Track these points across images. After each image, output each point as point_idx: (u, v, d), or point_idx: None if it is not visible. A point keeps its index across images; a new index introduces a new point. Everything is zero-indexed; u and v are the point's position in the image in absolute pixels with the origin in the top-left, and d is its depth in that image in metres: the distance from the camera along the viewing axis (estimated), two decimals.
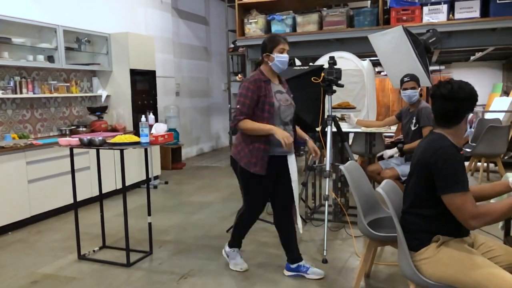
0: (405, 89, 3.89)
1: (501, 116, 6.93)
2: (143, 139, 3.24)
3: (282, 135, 2.77)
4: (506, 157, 6.67)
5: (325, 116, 3.84)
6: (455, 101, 1.99)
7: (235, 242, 3.31)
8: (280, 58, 2.89)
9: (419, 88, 3.93)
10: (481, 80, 9.87)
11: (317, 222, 4.30)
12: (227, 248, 3.35)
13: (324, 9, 6.71)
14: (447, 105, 2.01)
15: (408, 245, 2.07)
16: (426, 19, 5.65)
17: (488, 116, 6.92)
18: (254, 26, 6.69)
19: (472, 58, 8.76)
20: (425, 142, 2.10)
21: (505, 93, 8.36)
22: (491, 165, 6.31)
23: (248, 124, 2.86)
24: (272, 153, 2.91)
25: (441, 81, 2.08)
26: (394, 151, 3.99)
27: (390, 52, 4.45)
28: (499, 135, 5.63)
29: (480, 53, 7.84)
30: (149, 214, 3.63)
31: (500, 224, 2.63)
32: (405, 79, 3.89)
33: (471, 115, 2.01)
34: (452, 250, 1.97)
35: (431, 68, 4.54)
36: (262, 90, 2.87)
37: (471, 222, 1.88)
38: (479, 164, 5.89)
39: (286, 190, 3.02)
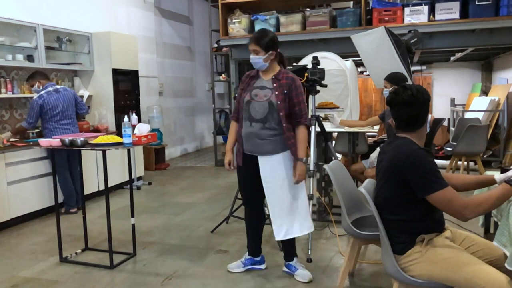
0: (385, 87, 4.03)
1: (480, 115, 7.07)
2: (126, 140, 3.20)
3: (225, 160, 3.04)
4: (485, 156, 6.82)
5: (309, 116, 3.85)
6: (417, 105, 2.05)
7: (248, 248, 3.26)
8: (251, 58, 2.89)
9: (392, 87, 4.01)
10: (461, 80, 10.05)
11: None
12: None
13: (307, 9, 6.75)
14: (410, 110, 2.06)
15: (393, 249, 2.10)
16: (408, 20, 5.73)
17: (468, 115, 7.05)
18: (238, 26, 6.68)
19: (452, 58, 8.91)
20: (393, 148, 2.11)
21: (484, 93, 8.53)
22: (471, 164, 6.43)
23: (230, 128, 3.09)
24: (245, 151, 2.98)
25: (397, 88, 2.13)
26: (377, 152, 4.03)
27: (373, 52, 4.50)
28: (479, 134, 5.74)
29: (460, 53, 7.98)
30: (133, 216, 3.59)
31: (480, 221, 2.68)
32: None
33: (430, 116, 2.06)
34: (438, 249, 2.01)
35: (412, 68, 4.61)
36: (243, 84, 2.95)
37: (464, 212, 1.89)
38: (459, 163, 6.00)
39: (260, 189, 2.97)
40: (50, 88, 4.65)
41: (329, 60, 5.01)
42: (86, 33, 5.69)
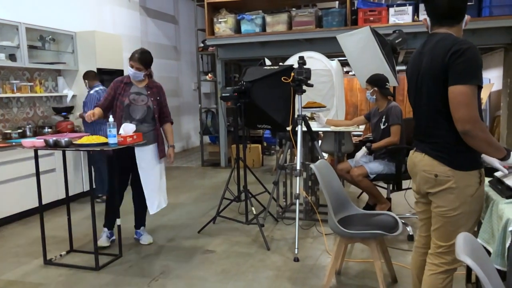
0: (367, 89, 4.12)
1: None
2: (111, 140, 3.17)
3: (90, 112, 3.44)
4: None
5: (295, 116, 3.87)
6: None
7: (106, 222, 3.82)
8: (129, 69, 3.55)
9: (373, 89, 4.05)
10: None
11: (288, 221, 4.33)
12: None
13: (293, 9, 6.77)
14: None
15: (452, 162, 1.91)
16: (392, 20, 5.79)
17: None
18: (224, 25, 6.67)
19: None
20: (431, 46, 1.93)
21: None
22: None
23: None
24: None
25: None
26: (363, 151, 4.07)
27: (358, 52, 4.53)
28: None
29: None
30: (118, 217, 3.56)
31: None
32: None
33: (467, 16, 1.97)
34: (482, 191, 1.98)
35: (397, 68, 4.65)
36: (119, 89, 3.56)
37: (469, 124, 1.79)
38: None
39: (138, 174, 3.60)
40: (96, 88, 5.07)
41: (315, 60, 5.02)
42: (70, 32, 5.61)
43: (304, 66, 3.75)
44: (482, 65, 1.85)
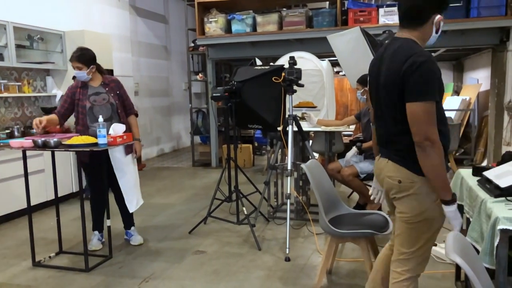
0: (357, 89, 4.16)
1: (452, 114, 7.26)
2: (101, 140, 3.14)
3: (37, 121, 3.29)
4: (457, 154, 7.00)
5: (286, 116, 3.87)
6: None
7: (94, 225, 3.78)
8: (76, 73, 3.46)
9: (363, 89, 4.09)
10: None
11: (279, 221, 4.33)
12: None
13: (284, 9, 6.78)
14: None
15: (413, 167, 1.87)
16: (382, 20, 5.83)
17: None
18: (214, 25, 6.66)
19: None
20: (390, 53, 1.89)
21: (456, 92, 8.75)
22: None
23: None
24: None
25: None
26: (353, 151, 4.09)
27: (348, 52, 4.55)
28: (451, 132, 5.88)
29: (433, 54, 8.17)
30: (108, 217, 3.53)
31: None
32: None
33: (438, 16, 1.86)
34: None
35: None
36: (76, 94, 3.50)
37: (426, 141, 1.74)
38: None
39: (113, 175, 3.57)
40: None
41: (305, 60, 5.03)
42: (58, 31, 5.56)
43: (295, 66, 3.75)
44: (439, 75, 1.78)
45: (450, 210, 1.82)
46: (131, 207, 3.68)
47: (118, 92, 3.60)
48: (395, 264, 2.00)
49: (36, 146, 3.15)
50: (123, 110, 3.62)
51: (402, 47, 1.84)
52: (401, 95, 1.81)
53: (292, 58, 3.80)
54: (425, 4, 1.85)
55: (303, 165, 2.91)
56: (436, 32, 1.89)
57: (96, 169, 3.51)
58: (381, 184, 2.07)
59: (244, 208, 3.96)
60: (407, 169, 1.87)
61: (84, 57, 3.44)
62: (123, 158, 3.59)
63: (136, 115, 3.78)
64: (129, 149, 3.63)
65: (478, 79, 7.89)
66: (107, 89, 3.55)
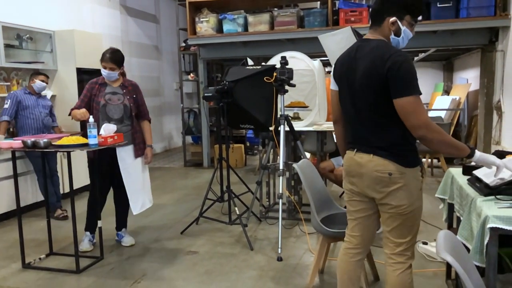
0: None
1: (442, 114, 7.32)
2: (91, 141, 3.12)
3: (80, 111, 3.37)
4: None
5: (278, 116, 3.87)
6: None
7: (87, 225, 3.75)
8: (102, 71, 3.51)
9: None
10: (424, 80, 10.34)
11: (271, 220, 4.33)
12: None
13: (275, 9, 6.78)
14: None
15: (401, 160, 1.95)
16: None
17: (431, 114, 7.28)
18: (206, 25, 6.64)
19: (415, 58, 9.17)
20: (365, 53, 1.97)
21: (446, 92, 8.82)
22: (435, 161, 6.64)
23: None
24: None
25: None
26: None
27: (340, 52, 4.54)
28: None
29: (423, 54, 8.22)
30: (99, 218, 3.50)
31: (444, 216, 2.77)
32: None
33: (392, 18, 1.95)
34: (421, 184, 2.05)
35: None
36: (94, 90, 3.54)
37: (422, 129, 1.84)
38: (423, 160, 6.19)
39: (119, 175, 3.56)
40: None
41: (297, 60, 5.03)
42: (48, 31, 5.50)
43: (287, 66, 3.76)
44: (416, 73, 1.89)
45: (477, 159, 1.96)
46: (135, 209, 3.66)
47: (134, 96, 3.64)
48: (395, 257, 2.05)
49: (26, 147, 3.12)
50: (137, 114, 3.67)
51: (379, 47, 1.93)
52: (384, 94, 1.89)
53: (283, 58, 3.81)
54: (381, 6, 2.00)
55: (295, 165, 2.92)
56: (397, 35, 1.99)
57: (100, 167, 3.53)
58: (360, 179, 2.05)
59: (236, 208, 3.96)
60: (397, 163, 1.95)
61: (118, 58, 3.52)
62: (130, 160, 3.60)
63: (149, 121, 3.81)
64: (139, 152, 3.66)
65: (468, 79, 7.97)
66: (124, 91, 3.60)
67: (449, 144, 1.89)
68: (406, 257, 2.04)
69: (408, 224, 2.01)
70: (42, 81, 4.71)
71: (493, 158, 1.97)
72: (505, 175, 2.02)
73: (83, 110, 3.39)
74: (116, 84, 3.60)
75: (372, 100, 1.94)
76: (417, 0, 1.99)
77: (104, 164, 3.55)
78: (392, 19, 1.95)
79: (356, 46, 2.05)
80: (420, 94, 1.88)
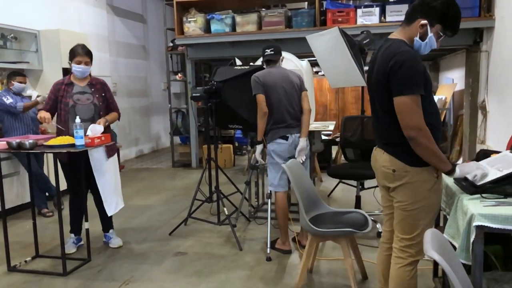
0: None
1: None
2: (78, 142, 3.09)
3: (43, 115, 3.29)
4: None
5: None
6: None
7: (71, 227, 3.72)
8: (75, 68, 3.43)
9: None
10: None
11: (260, 220, 4.33)
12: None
13: (263, 9, 6.78)
14: None
15: (406, 159, 2.00)
16: (360, 21, 5.89)
17: None
18: (194, 25, 6.62)
19: None
20: (381, 53, 2.05)
21: (432, 92, 8.92)
22: None
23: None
24: None
25: None
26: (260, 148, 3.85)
27: (327, 53, 4.57)
28: None
29: None
30: (86, 220, 3.47)
31: None
32: None
33: (423, 21, 1.98)
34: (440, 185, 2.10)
35: (365, 68, 4.73)
36: (60, 91, 3.44)
37: (413, 131, 1.88)
38: None
39: (93, 177, 3.51)
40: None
41: (285, 60, 5.04)
42: (33, 30, 5.43)
43: None
44: (423, 71, 1.93)
45: (454, 177, 2.05)
46: (110, 210, 3.61)
47: (103, 94, 3.57)
48: (397, 251, 2.12)
49: (11, 148, 3.08)
50: (106, 112, 3.58)
51: (390, 47, 2.00)
52: (388, 92, 1.96)
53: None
54: (418, 6, 2.03)
55: (283, 165, 2.92)
56: (422, 39, 2.02)
57: (74, 169, 3.45)
58: (376, 173, 2.20)
59: (225, 209, 3.95)
60: (399, 160, 2.02)
61: (90, 53, 3.48)
62: (102, 159, 3.53)
63: (119, 116, 3.75)
64: (111, 153, 3.58)
65: (453, 79, 8.06)
66: (93, 89, 3.51)
67: (434, 154, 1.94)
68: (408, 254, 2.09)
69: (410, 221, 2.06)
70: (20, 82, 4.64)
71: (471, 170, 2.03)
72: (491, 175, 2.05)
73: (46, 114, 3.30)
74: (84, 83, 3.51)
75: (382, 98, 2.03)
76: (456, 17, 2.02)
77: (74, 166, 3.45)
78: (423, 21, 1.99)
79: (380, 46, 2.13)
80: (421, 94, 1.91)
